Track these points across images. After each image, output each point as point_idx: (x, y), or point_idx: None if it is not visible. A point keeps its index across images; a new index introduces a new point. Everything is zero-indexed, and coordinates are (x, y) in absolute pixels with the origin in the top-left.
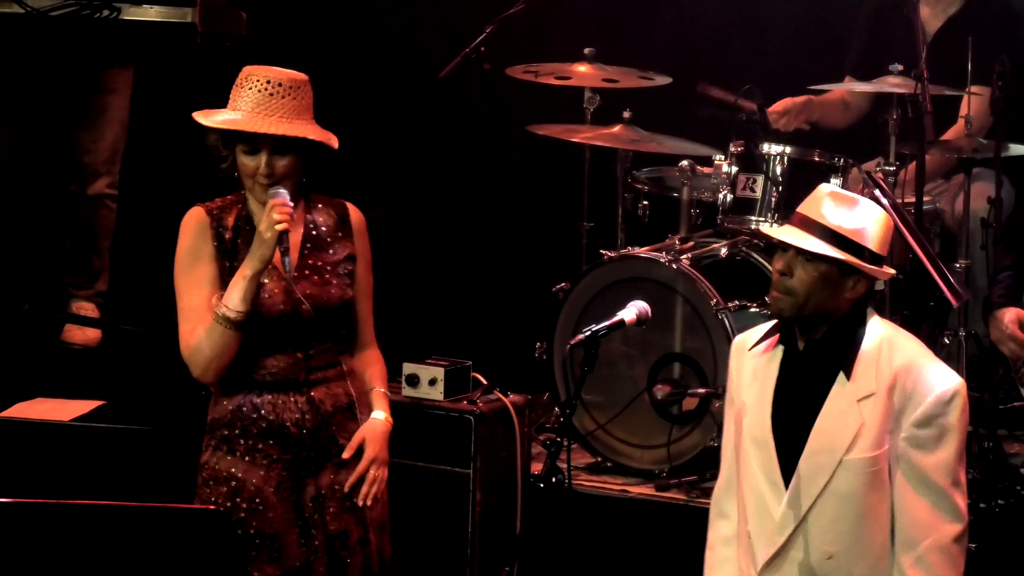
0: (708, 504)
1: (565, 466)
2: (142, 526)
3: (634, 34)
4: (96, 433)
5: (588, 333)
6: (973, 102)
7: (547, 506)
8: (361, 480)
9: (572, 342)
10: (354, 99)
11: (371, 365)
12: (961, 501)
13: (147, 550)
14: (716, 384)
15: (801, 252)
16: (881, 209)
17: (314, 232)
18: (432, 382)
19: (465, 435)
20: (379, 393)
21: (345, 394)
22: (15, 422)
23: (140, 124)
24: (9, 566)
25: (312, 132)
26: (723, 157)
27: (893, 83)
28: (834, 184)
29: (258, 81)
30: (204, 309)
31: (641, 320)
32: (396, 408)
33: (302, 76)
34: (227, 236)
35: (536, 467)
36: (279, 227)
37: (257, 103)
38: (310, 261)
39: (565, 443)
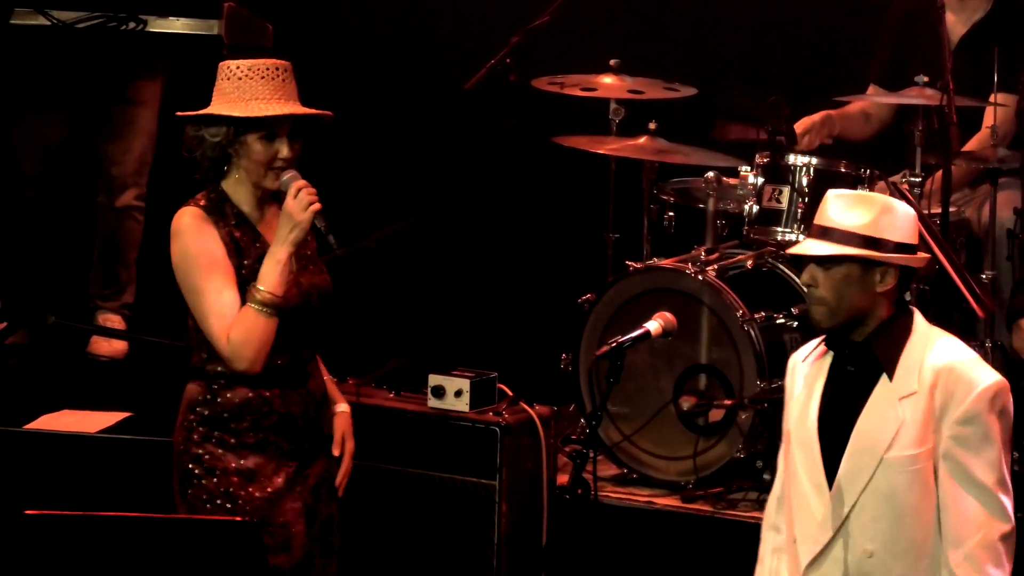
0: (735, 516)
1: (591, 477)
2: (171, 538)
3: (659, 45)
4: (123, 445)
5: (614, 344)
6: (999, 111)
7: (573, 517)
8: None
9: (598, 353)
10: (380, 111)
11: None
12: (1007, 500)
13: (176, 562)
14: (742, 395)
15: (816, 260)
16: (897, 200)
17: None
18: (458, 394)
19: (491, 446)
20: (331, 381)
21: (323, 383)
22: (42, 434)
23: (168, 136)
24: None
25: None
26: (749, 168)
27: (918, 94)
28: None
29: (264, 69)
30: (234, 304)
31: (667, 331)
32: (422, 420)
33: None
34: (235, 234)
35: (562, 478)
36: (314, 207)
37: (275, 90)
38: (301, 251)
39: (591, 454)
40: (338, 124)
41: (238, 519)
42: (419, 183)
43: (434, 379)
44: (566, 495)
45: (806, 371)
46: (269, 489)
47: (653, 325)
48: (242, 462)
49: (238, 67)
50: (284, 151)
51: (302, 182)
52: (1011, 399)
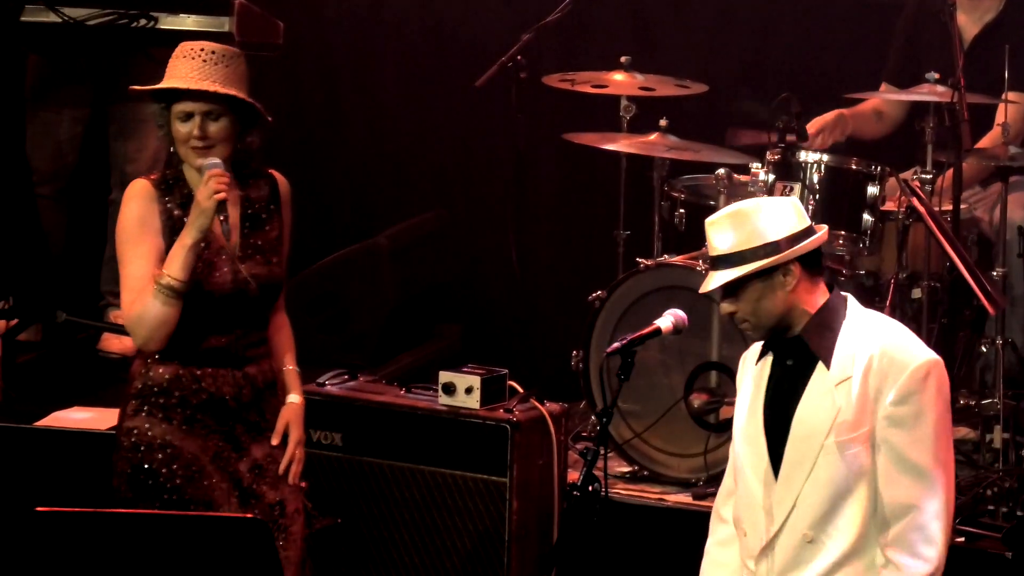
0: None
1: (602, 475)
2: (181, 535)
3: (671, 42)
4: None
5: (624, 341)
6: (1010, 109)
7: (584, 515)
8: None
9: (608, 350)
10: (391, 108)
11: (280, 330)
12: (942, 477)
13: (186, 559)
14: None
15: (721, 292)
16: (762, 198)
17: (250, 211)
18: (468, 390)
19: (501, 444)
20: (292, 372)
21: (271, 370)
22: (53, 431)
23: None
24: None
25: (244, 96)
26: (760, 165)
27: (929, 91)
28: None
29: (192, 50)
30: (148, 279)
31: (677, 328)
32: (432, 418)
33: (235, 48)
34: (175, 213)
35: (573, 476)
36: (217, 196)
37: (191, 69)
38: (251, 240)
39: (602, 452)
40: (348, 122)
41: (248, 515)
42: (431, 180)
43: (445, 376)
44: (577, 492)
45: (754, 371)
46: (193, 467)
47: (664, 322)
48: (167, 438)
49: (182, 47)
50: (195, 130)
51: (217, 171)
52: (946, 376)
